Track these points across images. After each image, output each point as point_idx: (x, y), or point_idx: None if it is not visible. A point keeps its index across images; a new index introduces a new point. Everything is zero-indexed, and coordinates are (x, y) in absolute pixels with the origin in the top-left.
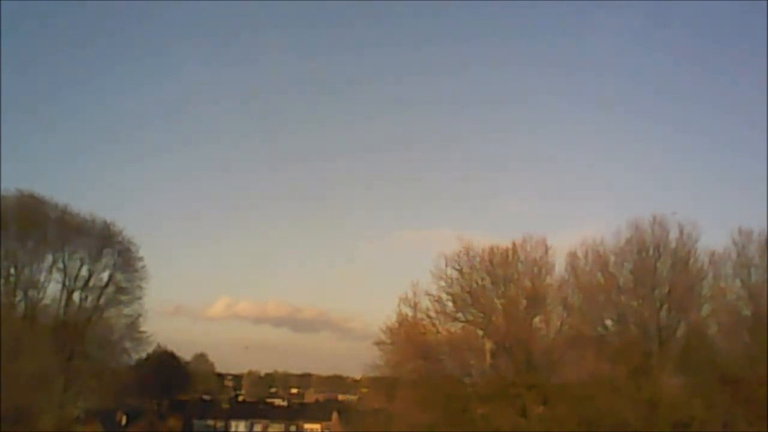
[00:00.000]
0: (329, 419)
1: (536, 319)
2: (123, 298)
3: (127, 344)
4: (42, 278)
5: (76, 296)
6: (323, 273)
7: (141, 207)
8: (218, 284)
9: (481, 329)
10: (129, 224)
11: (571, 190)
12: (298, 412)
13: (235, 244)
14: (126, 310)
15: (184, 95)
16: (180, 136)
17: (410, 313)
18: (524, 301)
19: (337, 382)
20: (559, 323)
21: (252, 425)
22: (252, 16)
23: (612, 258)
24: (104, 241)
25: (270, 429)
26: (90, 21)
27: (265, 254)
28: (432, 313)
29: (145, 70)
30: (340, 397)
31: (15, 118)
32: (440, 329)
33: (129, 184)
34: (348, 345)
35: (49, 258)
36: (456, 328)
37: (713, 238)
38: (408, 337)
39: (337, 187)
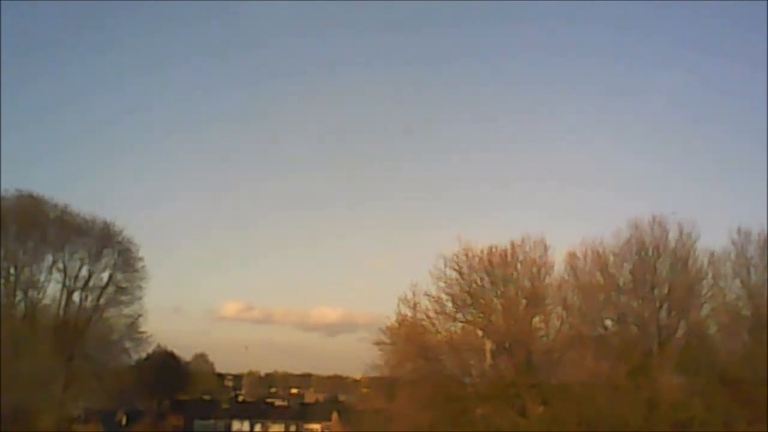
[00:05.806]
0: (329, 419)
1: (536, 319)
2: (123, 298)
3: (127, 344)
4: (42, 278)
5: (76, 296)
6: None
7: (175, 213)
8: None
9: (481, 329)
10: (175, 231)
11: (571, 189)
12: (298, 412)
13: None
14: (126, 310)
15: (193, 97)
16: (197, 146)
17: (410, 314)
18: (524, 301)
19: (337, 382)
20: (558, 323)
21: (253, 425)
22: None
23: (612, 258)
24: (104, 241)
25: (270, 429)
26: (104, 23)
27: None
28: (431, 314)
29: (152, 74)
30: (340, 397)
31: (15, 118)
32: (440, 329)
33: (153, 189)
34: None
35: (49, 258)
36: (456, 328)
37: (713, 238)
38: (408, 338)
39: (362, 195)
